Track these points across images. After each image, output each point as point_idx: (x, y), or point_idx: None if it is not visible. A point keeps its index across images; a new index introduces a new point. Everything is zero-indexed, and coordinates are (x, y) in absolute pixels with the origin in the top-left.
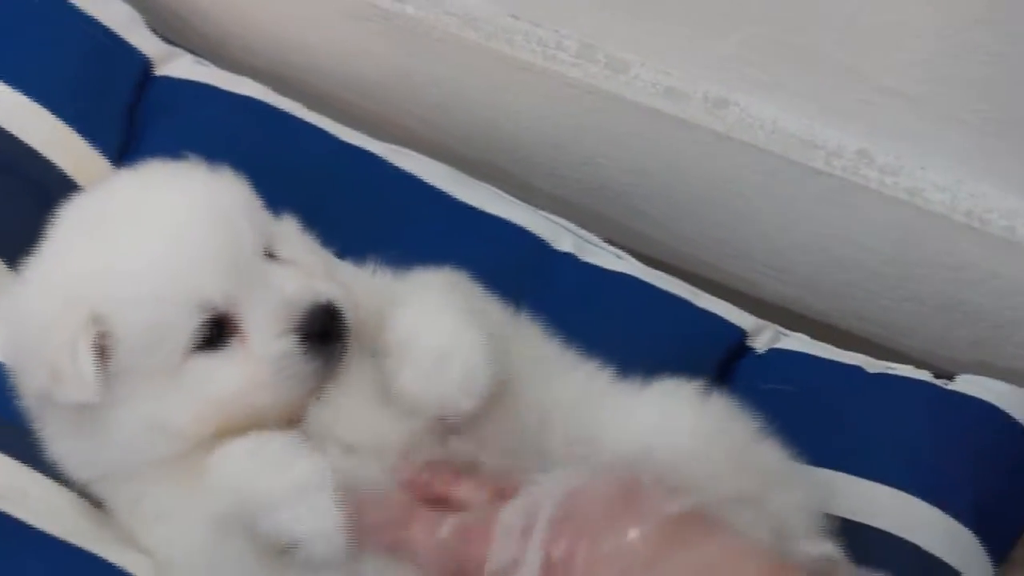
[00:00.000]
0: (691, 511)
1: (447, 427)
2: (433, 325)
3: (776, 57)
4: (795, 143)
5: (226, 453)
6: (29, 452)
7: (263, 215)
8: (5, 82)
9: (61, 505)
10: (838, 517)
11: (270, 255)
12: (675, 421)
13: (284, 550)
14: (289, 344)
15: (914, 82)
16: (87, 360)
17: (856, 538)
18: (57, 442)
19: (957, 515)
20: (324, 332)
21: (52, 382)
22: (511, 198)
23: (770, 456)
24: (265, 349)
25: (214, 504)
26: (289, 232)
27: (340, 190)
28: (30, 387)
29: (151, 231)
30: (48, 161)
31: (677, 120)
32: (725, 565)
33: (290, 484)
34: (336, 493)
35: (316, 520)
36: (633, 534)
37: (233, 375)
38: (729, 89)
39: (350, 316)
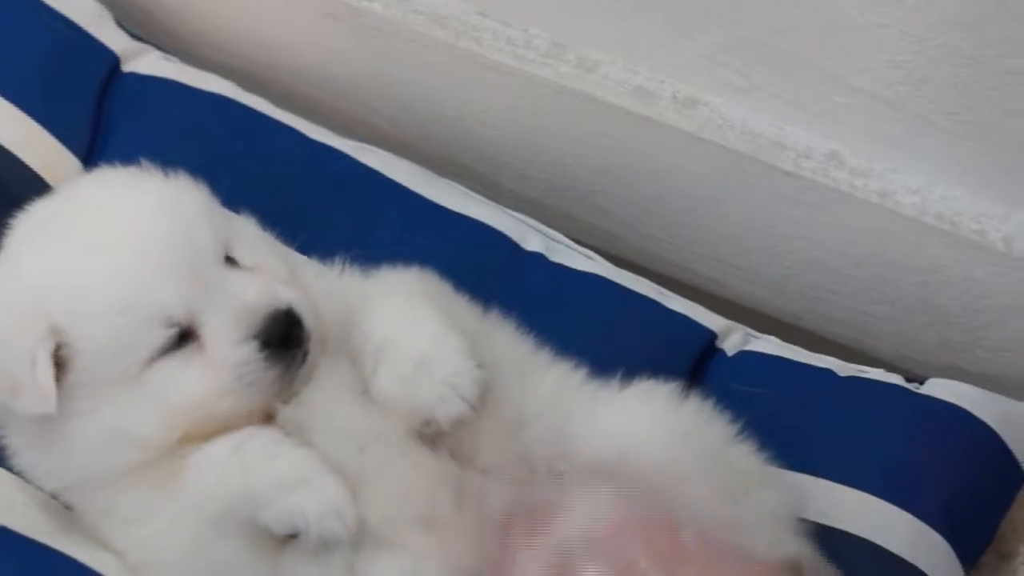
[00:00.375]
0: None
1: (433, 432)
2: (412, 328)
3: (750, 58)
4: (765, 144)
5: (208, 454)
6: None
7: (222, 219)
8: None
9: (23, 501)
10: (809, 521)
11: (230, 259)
12: (649, 425)
13: (287, 539)
14: (249, 351)
15: (891, 85)
16: (45, 372)
17: (826, 542)
18: (23, 453)
19: (927, 519)
20: (284, 338)
21: (10, 393)
22: (478, 196)
23: (744, 459)
24: (225, 356)
25: (202, 505)
26: (248, 233)
27: (306, 187)
28: None
29: (110, 243)
30: (15, 157)
31: (646, 120)
32: None
33: (286, 472)
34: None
35: (325, 498)
36: None
37: (194, 382)
38: (699, 89)
39: (311, 321)
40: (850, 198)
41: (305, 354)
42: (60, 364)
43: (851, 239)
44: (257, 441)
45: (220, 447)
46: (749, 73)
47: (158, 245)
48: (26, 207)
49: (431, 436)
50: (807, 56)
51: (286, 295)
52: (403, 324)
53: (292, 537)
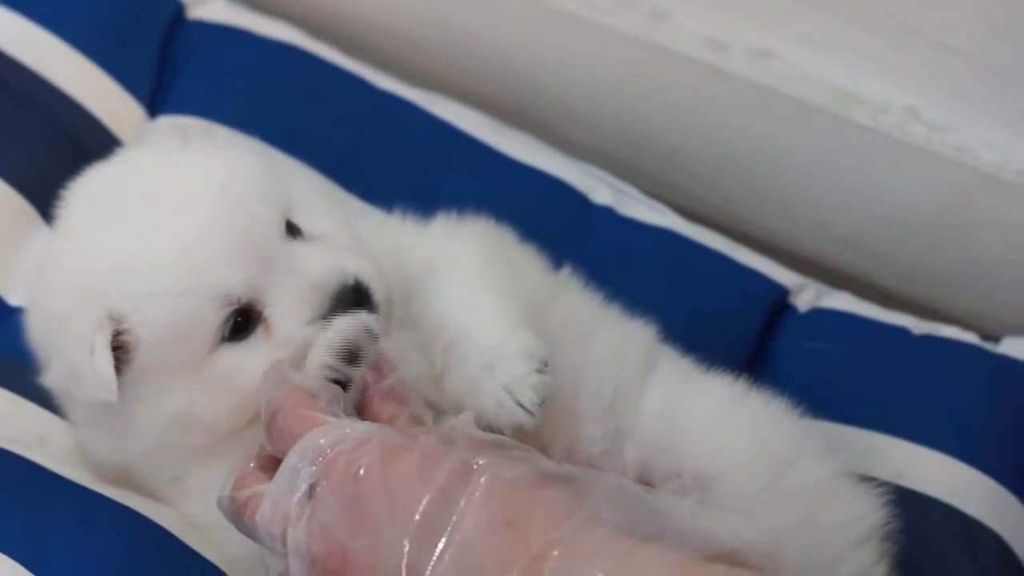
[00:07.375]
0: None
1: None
2: (480, 323)
3: (827, 10)
4: (840, 97)
5: None
6: (50, 398)
7: (281, 185)
8: (38, 24)
9: (81, 452)
10: (882, 481)
11: (292, 228)
12: (717, 432)
13: None
14: (319, 331)
15: (971, 39)
16: (104, 360)
17: (900, 503)
18: (82, 428)
19: (1004, 481)
20: None
21: (69, 379)
22: (548, 148)
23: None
24: (294, 338)
25: None
26: (308, 194)
27: (374, 138)
28: (51, 375)
29: (167, 223)
30: (79, 105)
31: (718, 71)
32: None
33: None
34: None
35: None
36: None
37: (262, 365)
38: (774, 41)
39: (380, 291)
40: (927, 153)
41: None
42: (123, 349)
43: (928, 195)
44: None
45: None
46: (828, 26)
47: (215, 224)
48: (83, 173)
49: None
50: (891, 9)
51: (353, 266)
52: (472, 317)
53: None
